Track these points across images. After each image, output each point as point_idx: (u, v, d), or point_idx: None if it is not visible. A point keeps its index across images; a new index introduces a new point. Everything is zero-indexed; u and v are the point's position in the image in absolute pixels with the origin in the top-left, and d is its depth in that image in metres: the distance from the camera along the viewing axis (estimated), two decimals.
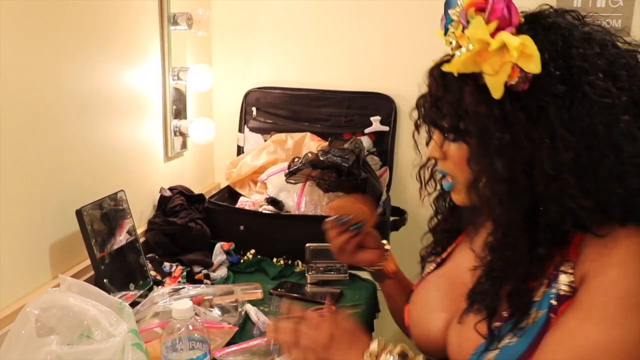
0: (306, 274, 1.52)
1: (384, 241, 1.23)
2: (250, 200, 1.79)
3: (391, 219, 1.73)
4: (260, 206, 1.73)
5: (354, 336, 0.90)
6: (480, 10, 0.80)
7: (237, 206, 1.76)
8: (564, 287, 0.81)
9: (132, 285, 1.34)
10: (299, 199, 1.70)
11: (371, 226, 1.17)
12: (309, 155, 1.69)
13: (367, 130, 1.95)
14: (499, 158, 0.80)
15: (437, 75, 0.88)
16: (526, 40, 0.76)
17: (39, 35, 1.20)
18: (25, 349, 0.82)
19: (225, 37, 2.07)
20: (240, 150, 2.06)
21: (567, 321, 0.78)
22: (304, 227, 1.62)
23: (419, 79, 2.03)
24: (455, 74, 0.83)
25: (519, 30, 0.79)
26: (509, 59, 0.76)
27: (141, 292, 1.35)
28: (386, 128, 1.95)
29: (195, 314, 0.97)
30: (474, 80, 0.82)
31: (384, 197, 1.76)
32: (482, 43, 0.78)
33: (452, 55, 0.84)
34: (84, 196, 1.32)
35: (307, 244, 1.52)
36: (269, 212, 1.69)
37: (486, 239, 0.88)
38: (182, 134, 1.82)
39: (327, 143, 1.81)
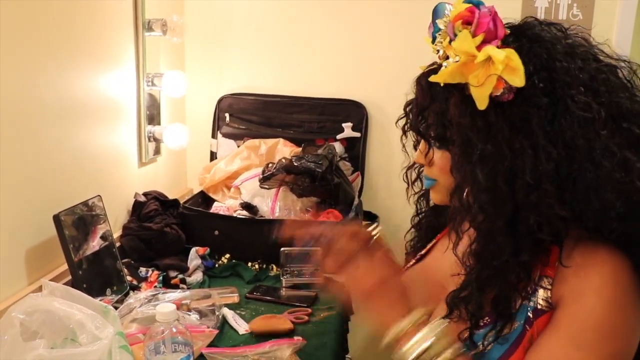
0: (281, 278, 1.54)
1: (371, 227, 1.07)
2: (225, 205, 1.80)
3: (363, 223, 1.76)
4: (235, 211, 1.75)
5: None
6: (467, 23, 0.82)
7: (211, 211, 1.77)
8: (541, 302, 0.85)
9: (109, 290, 1.34)
10: (273, 204, 1.72)
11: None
12: (283, 160, 1.72)
13: (339, 137, 1.99)
14: (481, 168, 0.82)
15: (425, 84, 0.89)
16: (511, 54, 0.78)
17: (14, 42, 1.20)
18: (10, 354, 0.82)
19: (198, 44, 2.08)
20: (213, 156, 2.08)
21: (548, 344, 0.82)
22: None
23: (390, 86, 2.08)
24: (441, 84, 0.85)
25: (505, 42, 0.82)
26: (494, 71, 0.78)
27: (118, 297, 1.35)
28: (358, 134, 1.99)
29: None
30: (460, 91, 0.84)
31: (356, 202, 1.81)
32: (468, 55, 0.80)
33: (439, 65, 0.87)
34: (58, 202, 1.32)
35: (282, 248, 1.54)
36: (243, 216, 1.71)
37: (470, 247, 0.89)
38: (156, 140, 1.83)
39: (299, 149, 1.85)
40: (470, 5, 0.83)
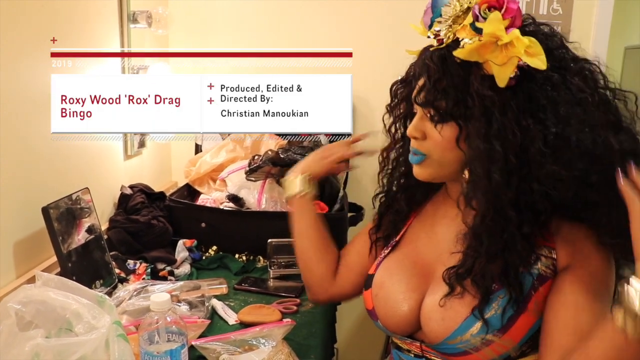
0: (269, 269, 1.55)
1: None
2: (211, 197, 1.81)
3: (349, 215, 1.78)
4: (221, 203, 1.75)
5: None
6: (492, 7, 0.89)
7: (198, 203, 1.77)
8: (545, 269, 0.94)
9: (97, 283, 1.34)
10: (260, 196, 1.73)
11: None
12: (269, 152, 1.73)
13: None
14: (497, 140, 0.89)
15: (437, 60, 0.93)
16: (532, 41, 0.87)
17: None
18: (7, 344, 0.82)
19: (182, 36, 2.08)
20: (198, 149, 2.07)
21: (576, 300, 0.90)
22: (265, 223, 1.65)
23: (374, 78, 2.09)
24: (458, 61, 0.91)
25: (521, 30, 0.89)
26: (516, 54, 0.86)
27: (106, 289, 1.35)
28: None
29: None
30: (478, 68, 0.90)
31: (341, 193, 1.82)
32: (492, 36, 0.87)
33: (442, 44, 0.93)
34: (45, 194, 1.31)
35: (269, 240, 1.55)
36: (230, 208, 1.71)
37: (470, 223, 0.95)
38: (141, 133, 1.82)
39: (285, 141, 1.85)
40: None
